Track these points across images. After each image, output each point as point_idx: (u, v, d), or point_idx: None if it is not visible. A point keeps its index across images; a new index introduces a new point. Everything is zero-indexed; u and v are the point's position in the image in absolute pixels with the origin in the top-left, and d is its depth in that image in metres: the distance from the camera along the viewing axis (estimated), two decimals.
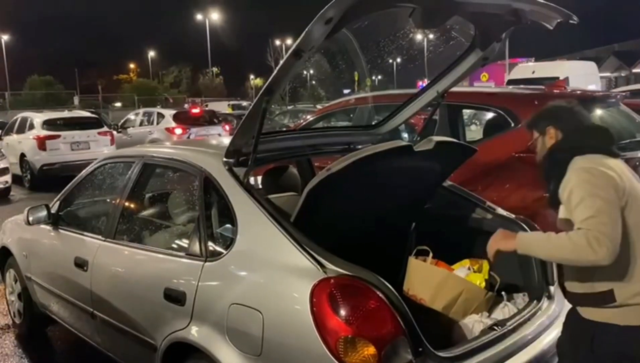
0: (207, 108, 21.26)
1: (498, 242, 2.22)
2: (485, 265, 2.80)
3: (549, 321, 2.61)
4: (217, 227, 2.64)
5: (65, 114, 13.76)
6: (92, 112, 16.49)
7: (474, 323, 2.57)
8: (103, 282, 3.14)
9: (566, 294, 2.23)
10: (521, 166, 3.92)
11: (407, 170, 2.73)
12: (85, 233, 3.46)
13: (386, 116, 3.52)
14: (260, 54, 59.44)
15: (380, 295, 2.06)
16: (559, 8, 2.52)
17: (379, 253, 2.66)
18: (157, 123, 14.34)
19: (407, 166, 2.68)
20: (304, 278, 2.10)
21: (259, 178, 3.42)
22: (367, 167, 2.40)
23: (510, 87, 8.18)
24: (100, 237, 3.28)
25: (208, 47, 52.41)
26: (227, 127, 15.57)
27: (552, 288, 2.74)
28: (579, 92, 5.09)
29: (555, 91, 4.72)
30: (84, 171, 3.85)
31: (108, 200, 3.64)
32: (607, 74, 32.01)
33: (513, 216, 2.98)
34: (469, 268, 2.80)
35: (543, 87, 5.13)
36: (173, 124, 13.97)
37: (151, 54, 71.12)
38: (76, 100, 40.95)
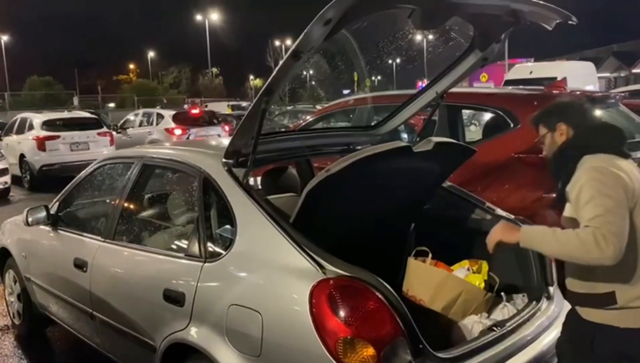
0: (206, 109, 21.25)
1: (500, 234, 2.15)
2: (485, 266, 2.80)
3: (549, 322, 2.61)
4: (217, 228, 2.64)
5: (65, 114, 13.72)
6: (91, 113, 16.50)
7: (473, 324, 2.57)
8: (102, 283, 3.14)
9: (566, 293, 2.21)
10: (520, 166, 3.92)
11: (407, 171, 2.73)
12: (85, 234, 3.46)
13: (385, 117, 3.52)
14: (260, 54, 59.61)
15: (380, 295, 2.06)
16: (558, 9, 2.52)
17: (378, 254, 2.66)
18: (157, 124, 14.32)
19: (406, 167, 2.68)
20: (303, 279, 2.10)
21: (259, 179, 3.42)
22: (367, 168, 2.40)
23: (509, 87, 8.17)
24: (99, 238, 3.28)
25: (208, 48, 52.50)
26: (226, 127, 15.54)
27: (551, 289, 2.74)
28: (578, 92, 5.09)
29: (554, 91, 4.71)
30: (83, 171, 3.85)
31: (107, 201, 3.64)
32: (607, 74, 31.99)
33: (512, 216, 2.97)
34: (468, 269, 2.80)
35: (542, 87, 5.13)
36: (172, 125, 13.96)
37: (151, 54, 71.13)
38: (76, 100, 40.87)
